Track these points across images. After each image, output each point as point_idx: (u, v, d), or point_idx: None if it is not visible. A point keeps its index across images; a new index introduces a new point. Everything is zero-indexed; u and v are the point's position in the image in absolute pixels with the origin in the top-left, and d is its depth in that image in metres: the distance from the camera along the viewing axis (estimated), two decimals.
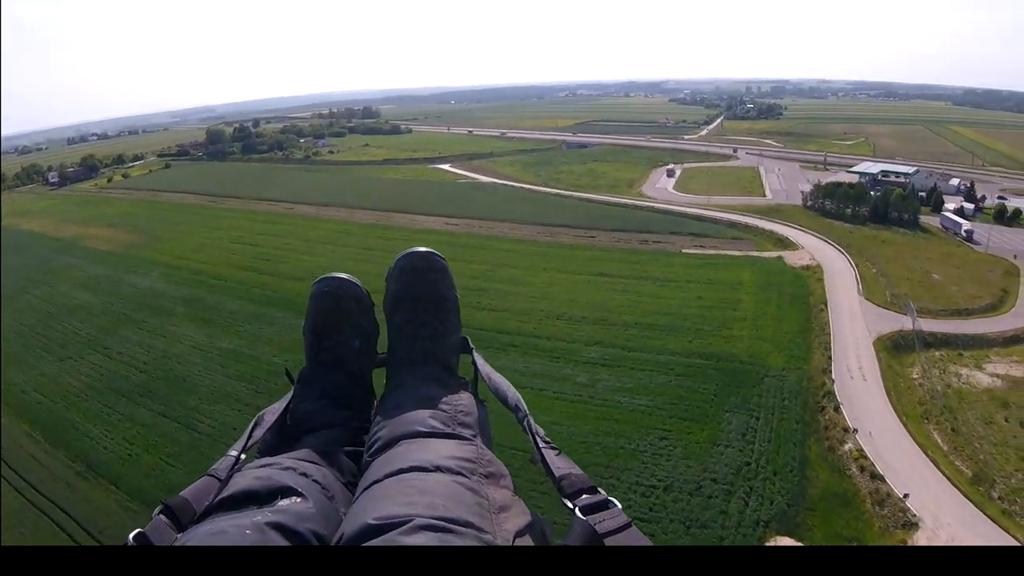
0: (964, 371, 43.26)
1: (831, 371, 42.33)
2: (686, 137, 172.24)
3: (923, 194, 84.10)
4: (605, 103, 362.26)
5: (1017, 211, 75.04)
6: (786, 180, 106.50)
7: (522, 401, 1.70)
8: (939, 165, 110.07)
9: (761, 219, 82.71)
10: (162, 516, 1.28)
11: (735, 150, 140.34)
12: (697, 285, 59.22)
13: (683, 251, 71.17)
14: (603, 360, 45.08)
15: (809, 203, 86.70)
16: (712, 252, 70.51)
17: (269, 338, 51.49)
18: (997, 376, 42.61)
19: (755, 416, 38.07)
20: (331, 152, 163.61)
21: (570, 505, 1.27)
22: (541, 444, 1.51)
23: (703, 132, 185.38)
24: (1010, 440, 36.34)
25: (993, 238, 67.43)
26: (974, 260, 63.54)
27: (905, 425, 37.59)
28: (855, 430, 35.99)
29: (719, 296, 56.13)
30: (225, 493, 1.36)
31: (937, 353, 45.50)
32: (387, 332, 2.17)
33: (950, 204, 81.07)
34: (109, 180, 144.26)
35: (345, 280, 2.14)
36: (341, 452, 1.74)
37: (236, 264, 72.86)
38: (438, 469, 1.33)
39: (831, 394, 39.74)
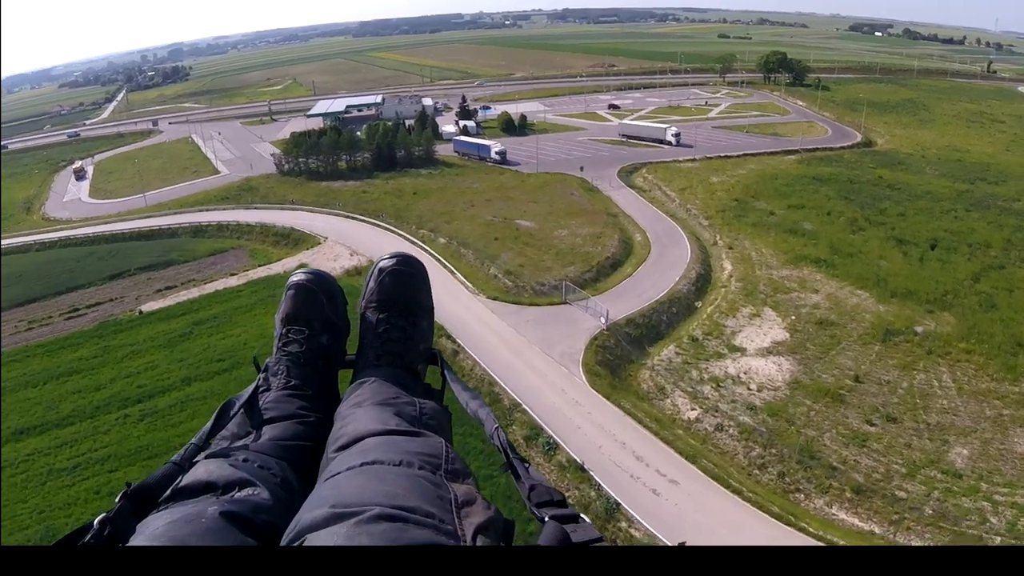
0: (743, 392, 25.38)
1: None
2: (88, 122, 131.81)
3: (411, 122, 67.71)
4: None
5: (523, 118, 65.37)
6: (234, 144, 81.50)
7: (492, 414, 1.66)
8: (391, 90, 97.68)
9: (234, 208, 53.96)
10: (125, 501, 1.30)
11: (155, 123, 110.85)
12: (199, 387, 26.86)
13: (143, 310, 37.84)
14: None
15: (287, 167, 61.26)
16: (195, 294, 39.10)
17: None
18: (775, 384, 26.38)
19: None
20: None
21: (539, 514, 1.26)
22: (512, 456, 1.48)
23: (107, 112, 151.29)
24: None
25: (536, 156, 54.36)
26: (537, 187, 49.31)
27: None
28: None
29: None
30: (184, 482, 1.37)
31: (671, 355, 26.67)
32: (358, 331, 2.08)
33: (447, 126, 66.88)
34: None
35: (321, 274, 2.12)
36: (299, 446, 1.70)
37: None
38: (401, 463, 1.32)
39: None
